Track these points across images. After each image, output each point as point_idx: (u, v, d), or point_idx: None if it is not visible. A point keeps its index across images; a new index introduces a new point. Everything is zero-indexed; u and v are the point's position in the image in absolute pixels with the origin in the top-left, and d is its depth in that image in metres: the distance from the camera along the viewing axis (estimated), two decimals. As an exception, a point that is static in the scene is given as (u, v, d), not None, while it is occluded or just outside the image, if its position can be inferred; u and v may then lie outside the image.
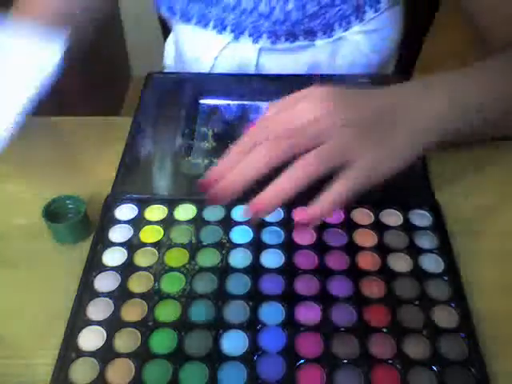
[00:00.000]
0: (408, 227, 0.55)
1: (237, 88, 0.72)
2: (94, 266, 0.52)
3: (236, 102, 0.70)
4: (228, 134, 0.66)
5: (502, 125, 0.59)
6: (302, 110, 0.47)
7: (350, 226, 0.55)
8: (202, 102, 0.69)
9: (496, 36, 0.66)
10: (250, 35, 0.75)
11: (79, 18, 0.70)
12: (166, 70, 0.92)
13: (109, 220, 0.56)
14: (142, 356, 0.45)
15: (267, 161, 0.45)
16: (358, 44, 0.76)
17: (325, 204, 0.45)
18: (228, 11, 0.74)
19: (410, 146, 0.50)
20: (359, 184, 0.46)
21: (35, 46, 0.48)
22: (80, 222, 0.55)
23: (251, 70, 0.78)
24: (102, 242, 0.54)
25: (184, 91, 0.72)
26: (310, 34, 0.75)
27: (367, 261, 0.52)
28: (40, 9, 0.68)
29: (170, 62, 0.91)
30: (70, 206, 0.56)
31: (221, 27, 0.76)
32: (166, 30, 0.92)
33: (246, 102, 0.70)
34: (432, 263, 0.52)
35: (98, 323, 0.48)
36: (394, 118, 0.50)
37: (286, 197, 0.45)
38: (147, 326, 0.47)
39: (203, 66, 0.80)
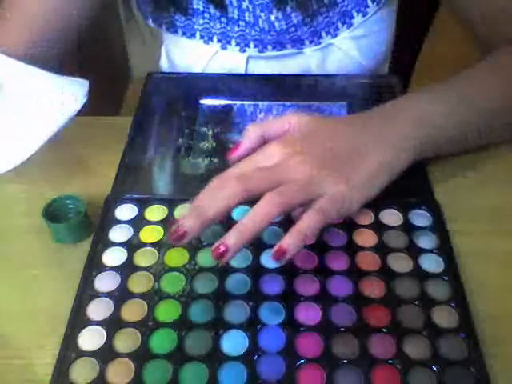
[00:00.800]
0: (408, 227, 0.55)
1: (237, 88, 0.72)
2: (93, 265, 0.52)
3: (236, 102, 0.70)
4: (228, 134, 0.66)
5: (475, 138, 0.59)
6: (269, 152, 0.50)
7: (349, 226, 0.55)
8: (202, 102, 0.69)
9: (483, 34, 0.66)
10: (236, 44, 0.75)
11: (75, 18, 0.70)
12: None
13: (109, 220, 0.56)
14: (142, 356, 0.45)
15: (232, 198, 0.46)
16: (347, 50, 0.76)
17: (295, 237, 0.46)
18: (213, 21, 0.74)
19: (381, 170, 0.52)
20: (327, 216, 0.47)
21: (59, 92, 0.49)
22: (80, 222, 0.55)
23: None
24: (102, 242, 0.54)
25: (184, 91, 0.72)
26: (298, 42, 0.74)
27: (367, 261, 0.52)
28: (34, 9, 0.67)
29: (164, 66, 0.90)
30: (70, 206, 0.56)
31: (207, 37, 0.76)
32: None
33: (246, 102, 0.70)
34: (432, 263, 0.52)
35: (98, 323, 0.48)
36: (362, 147, 0.52)
37: (249, 237, 0.45)
38: (147, 326, 0.47)
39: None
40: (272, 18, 0.72)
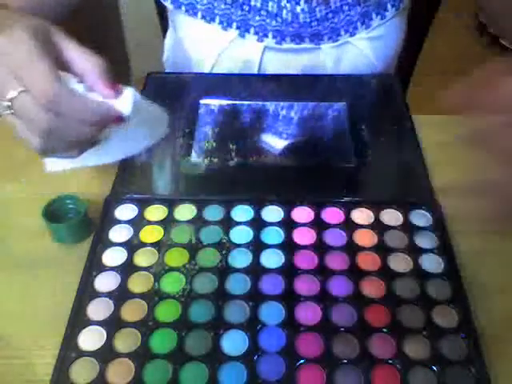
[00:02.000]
0: (408, 227, 0.55)
1: (237, 88, 0.72)
2: (94, 265, 0.52)
3: (236, 102, 0.70)
4: (228, 134, 0.66)
5: None
6: None
7: (350, 225, 0.55)
8: (202, 102, 0.69)
9: None
10: (255, 33, 0.75)
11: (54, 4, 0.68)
12: (165, 68, 0.92)
13: (109, 220, 0.56)
14: (142, 356, 0.45)
15: None
16: (362, 49, 0.77)
17: None
18: (235, 7, 0.74)
19: None
20: None
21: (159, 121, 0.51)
22: (80, 222, 0.55)
23: (254, 69, 0.77)
24: (102, 242, 0.54)
25: (184, 91, 0.72)
26: (317, 37, 0.75)
27: (367, 261, 0.52)
28: None
29: (168, 59, 0.90)
30: (70, 206, 0.56)
31: (226, 23, 0.75)
32: (166, 30, 0.92)
33: (246, 102, 0.70)
34: (432, 263, 0.52)
35: (98, 323, 0.48)
36: None
37: None
38: (147, 326, 0.47)
39: (206, 63, 0.79)
40: (298, 9, 0.73)
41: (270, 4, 0.73)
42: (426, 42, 0.96)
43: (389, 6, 0.75)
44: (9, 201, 0.61)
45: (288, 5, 0.72)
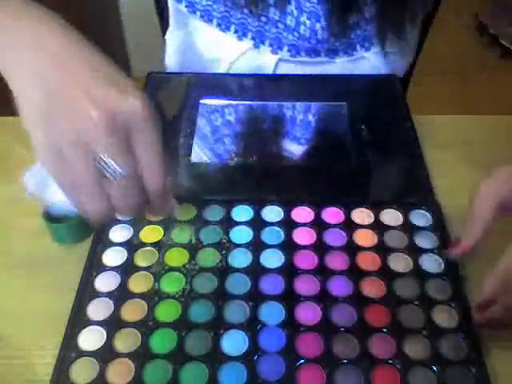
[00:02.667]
0: (408, 227, 0.55)
1: (237, 88, 0.72)
2: (94, 265, 0.52)
3: (236, 102, 0.70)
4: (228, 134, 0.66)
5: None
6: None
7: (350, 225, 0.55)
8: (202, 102, 0.69)
9: None
10: (270, 45, 0.74)
11: None
12: (166, 68, 0.92)
13: (109, 220, 0.56)
14: (142, 356, 0.45)
15: None
16: (376, 63, 0.77)
17: None
18: (252, 17, 0.72)
19: None
20: None
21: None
22: (80, 222, 0.55)
23: None
24: (102, 242, 0.54)
25: (184, 91, 0.72)
26: (332, 52, 0.75)
27: (367, 261, 0.52)
28: None
29: (171, 62, 0.89)
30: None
31: (242, 33, 0.74)
32: (165, 30, 0.92)
33: (246, 102, 0.70)
34: (432, 263, 0.52)
35: (98, 323, 0.48)
36: None
37: None
38: (147, 326, 0.47)
39: (218, 70, 0.79)
40: (317, 26, 0.71)
41: (289, 18, 0.71)
42: (425, 42, 0.96)
43: (406, 21, 0.74)
44: (9, 201, 0.61)
45: (308, 21, 0.71)
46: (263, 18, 0.72)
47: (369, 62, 0.76)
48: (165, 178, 0.43)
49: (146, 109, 0.42)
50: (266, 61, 0.75)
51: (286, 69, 0.76)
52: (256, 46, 0.75)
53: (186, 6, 0.76)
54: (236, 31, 0.74)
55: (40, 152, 0.41)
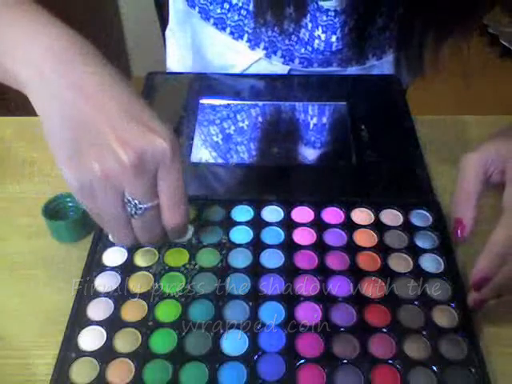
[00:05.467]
0: (408, 227, 0.55)
1: (237, 88, 0.72)
2: (94, 265, 0.52)
3: (235, 102, 0.70)
4: (228, 133, 0.66)
5: None
6: None
7: (350, 225, 0.55)
8: (202, 101, 0.69)
9: None
10: (282, 56, 0.74)
11: None
12: (167, 69, 0.92)
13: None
14: (142, 356, 0.45)
15: None
16: (386, 71, 0.77)
17: None
18: (266, 28, 0.71)
19: None
20: None
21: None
22: (81, 220, 0.55)
23: None
24: (102, 242, 0.54)
25: (184, 91, 0.72)
26: (345, 62, 0.74)
27: (367, 261, 0.52)
28: None
29: (174, 64, 0.88)
30: (71, 205, 0.56)
31: (254, 43, 0.74)
32: (165, 30, 0.92)
33: (246, 102, 0.70)
34: (432, 263, 0.52)
35: (98, 323, 0.48)
36: None
37: None
38: (147, 326, 0.47)
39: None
40: (333, 38, 0.70)
41: (302, 31, 0.70)
42: (425, 41, 0.95)
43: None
44: (9, 201, 0.61)
45: (323, 35, 0.70)
46: (277, 29, 0.71)
47: (379, 69, 0.76)
48: (186, 217, 0.45)
49: (175, 149, 0.42)
50: (277, 70, 0.75)
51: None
52: (267, 56, 0.74)
53: (200, 12, 0.75)
54: (249, 40, 0.74)
55: (71, 186, 0.42)
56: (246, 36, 0.73)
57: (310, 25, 0.70)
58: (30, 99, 0.43)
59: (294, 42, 0.72)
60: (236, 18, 0.72)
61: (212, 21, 0.75)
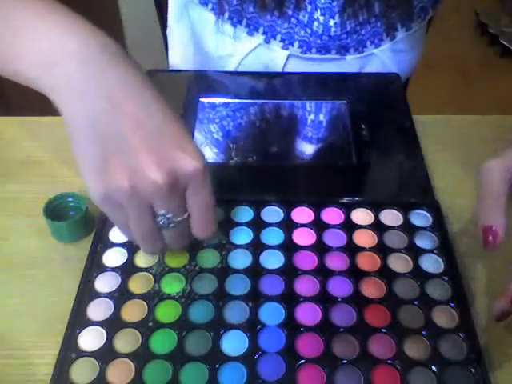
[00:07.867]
0: (408, 227, 0.55)
1: (237, 86, 0.72)
2: (94, 266, 0.52)
3: (236, 101, 0.70)
4: (228, 132, 0.66)
5: None
6: None
7: (349, 226, 0.55)
8: (202, 100, 0.69)
9: None
10: (281, 40, 0.74)
11: None
12: (170, 67, 0.91)
13: (109, 220, 0.56)
14: (142, 356, 0.45)
15: None
16: (385, 61, 0.77)
17: None
18: (265, 12, 0.72)
19: None
20: None
21: None
22: (81, 220, 0.55)
23: None
24: (102, 243, 0.54)
25: (184, 89, 0.72)
26: (343, 49, 0.75)
27: (367, 261, 0.52)
28: None
29: (177, 59, 0.88)
30: (72, 204, 0.56)
31: (253, 27, 0.74)
32: (165, 29, 0.92)
33: (246, 101, 0.70)
34: (432, 263, 0.52)
35: (98, 323, 0.48)
36: None
37: None
38: (147, 327, 0.47)
39: (227, 66, 0.78)
40: (331, 22, 0.71)
41: (302, 13, 0.71)
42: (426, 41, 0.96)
43: (414, 17, 0.75)
44: (9, 201, 0.61)
45: (321, 18, 0.71)
46: (276, 12, 0.72)
47: (378, 58, 0.77)
48: (215, 227, 0.47)
49: (206, 169, 0.43)
50: (276, 57, 0.75)
51: (295, 65, 0.76)
52: (266, 41, 0.74)
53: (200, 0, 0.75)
54: (247, 25, 0.74)
55: (96, 200, 0.42)
56: (244, 21, 0.74)
57: (309, 7, 0.71)
58: (57, 106, 0.42)
59: (293, 25, 0.73)
60: (235, 2, 0.73)
61: (210, 6, 0.75)
